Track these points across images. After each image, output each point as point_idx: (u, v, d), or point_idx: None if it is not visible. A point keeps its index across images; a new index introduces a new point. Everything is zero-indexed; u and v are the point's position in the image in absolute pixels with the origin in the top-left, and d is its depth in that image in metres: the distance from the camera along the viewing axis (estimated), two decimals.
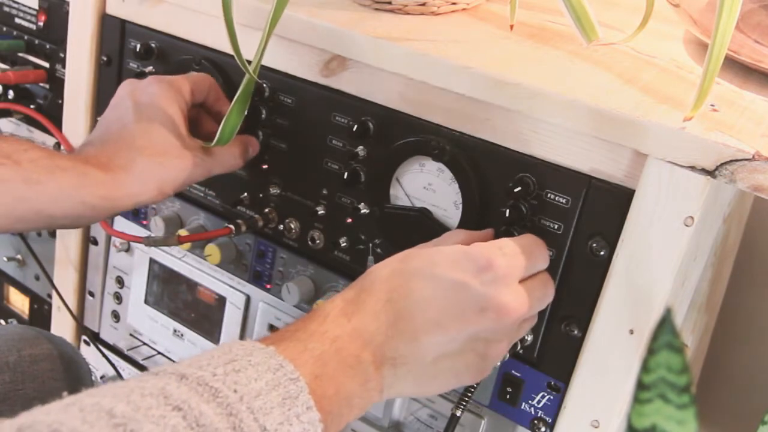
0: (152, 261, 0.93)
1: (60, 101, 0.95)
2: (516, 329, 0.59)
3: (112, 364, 0.96)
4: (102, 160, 0.67)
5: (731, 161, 0.54)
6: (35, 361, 0.79)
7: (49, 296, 1.08)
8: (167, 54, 0.84)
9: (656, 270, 0.59)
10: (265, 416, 0.46)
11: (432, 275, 0.56)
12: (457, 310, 0.55)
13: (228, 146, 0.72)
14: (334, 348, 0.53)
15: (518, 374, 0.69)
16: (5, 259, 1.12)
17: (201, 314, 0.90)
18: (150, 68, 0.84)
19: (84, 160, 0.67)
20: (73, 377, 0.81)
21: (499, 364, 0.66)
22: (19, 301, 1.14)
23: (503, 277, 0.56)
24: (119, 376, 0.96)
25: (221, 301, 0.87)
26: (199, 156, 0.71)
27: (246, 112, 0.70)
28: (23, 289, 1.13)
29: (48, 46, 0.97)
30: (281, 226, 0.80)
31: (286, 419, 0.47)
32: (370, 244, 0.74)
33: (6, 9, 1.00)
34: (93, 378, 0.86)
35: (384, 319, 0.55)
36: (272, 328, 0.84)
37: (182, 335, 0.92)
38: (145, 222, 0.91)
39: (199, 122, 0.77)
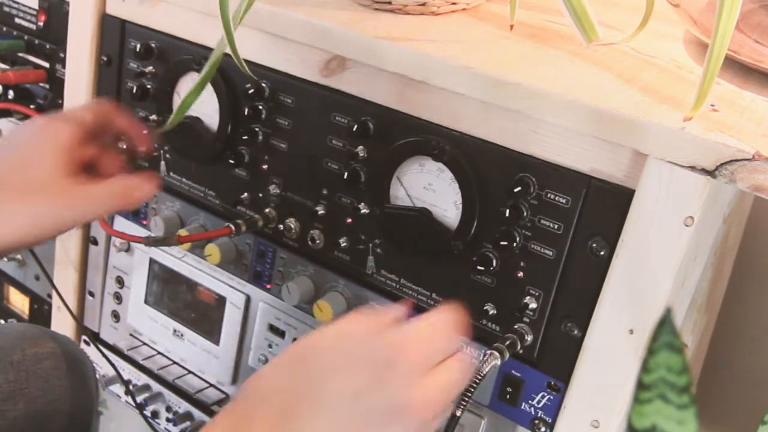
0: (152, 261, 0.93)
1: (60, 101, 0.95)
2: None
3: (112, 364, 0.96)
4: None
5: (731, 161, 0.54)
6: (39, 359, 0.79)
7: (49, 296, 1.08)
8: (167, 54, 0.84)
9: (656, 270, 0.59)
10: None
11: (332, 385, 0.50)
12: (366, 413, 0.49)
13: (108, 187, 0.66)
14: None
15: (518, 374, 0.69)
16: (5, 259, 1.12)
17: (201, 314, 0.90)
18: (150, 68, 0.84)
19: None
20: (78, 376, 0.81)
21: None
22: (19, 301, 1.14)
23: (420, 369, 0.51)
24: (119, 376, 0.96)
25: (221, 301, 0.87)
26: (72, 197, 0.65)
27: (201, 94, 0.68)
28: (23, 289, 1.13)
29: (48, 46, 0.97)
30: (281, 226, 0.80)
31: None
32: (370, 244, 0.74)
33: (6, 9, 1.00)
34: (97, 376, 0.85)
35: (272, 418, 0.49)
36: (272, 328, 0.84)
37: (182, 335, 0.92)
38: (145, 222, 0.91)
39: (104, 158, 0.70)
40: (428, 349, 0.52)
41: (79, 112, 0.69)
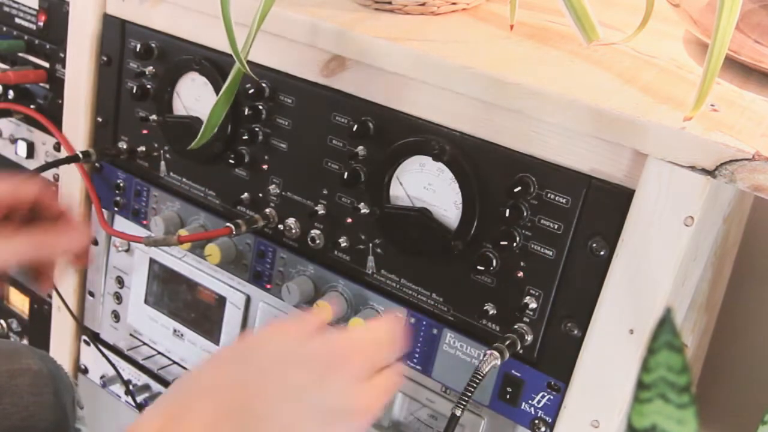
0: (152, 261, 0.93)
1: (60, 101, 0.95)
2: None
3: (112, 364, 0.96)
4: None
5: (731, 161, 0.54)
6: (13, 376, 0.78)
7: (49, 296, 1.08)
8: (167, 54, 0.84)
9: (656, 270, 0.59)
10: None
11: (278, 380, 0.49)
12: (310, 411, 0.49)
13: (26, 234, 0.66)
14: None
15: (518, 374, 0.69)
16: None
17: (201, 314, 0.90)
18: (150, 68, 0.84)
19: None
20: (53, 392, 0.80)
21: None
22: (19, 301, 1.14)
23: (363, 372, 0.52)
24: (119, 376, 0.96)
25: (221, 301, 0.87)
26: None
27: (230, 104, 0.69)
28: (23, 289, 1.13)
29: (48, 46, 0.97)
30: (281, 226, 0.80)
31: None
32: (370, 244, 0.74)
33: (6, 9, 1.00)
34: (75, 395, 0.84)
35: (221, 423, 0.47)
36: None
37: (182, 335, 0.92)
38: (145, 222, 0.91)
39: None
40: (370, 357, 0.53)
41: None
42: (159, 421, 0.47)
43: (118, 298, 0.97)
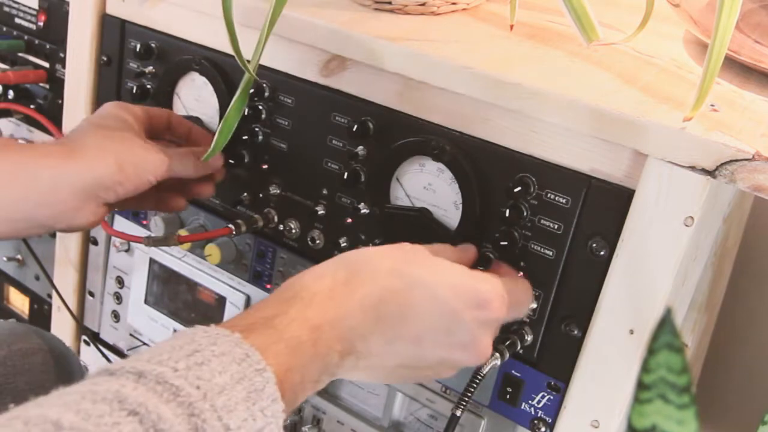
0: (152, 261, 0.93)
1: (60, 101, 0.95)
2: None
3: None
4: (54, 143, 0.70)
5: (731, 161, 0.54)
6: (26, 354, 0.79)
7: (49, 296, 1.08)
8: (167, 54, 0.84)
9: (656, 270, 0.59)
10: (229, 413, 0.44)
11: (433, 295, 0.55)
12: (442, 336, 0.55)
13: (179, 149, 0.74)
14: (312, 338, 0.51)
15: (518, 374, 0.69)
16: (5, 259, 1.12)
17: (201, 314, 0.90)
18: (150, 68, 0.84)
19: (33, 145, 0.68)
20: (65, 371, 0.81)
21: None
22: (19, 301, 1.14)
23: (494, 321, 0.58)
24: None
25: (221, 301, 0.87)
26: (155, 146, 0.71)
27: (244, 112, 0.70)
28: (23, 289, 1.13)
29: (48, 46, 0.97)
30: (281, 226, 0.80)
31: (250, 415, 0.45)
32: (370, 244, 0.74)
33: (6, 9, 1.00)
34: (84, 374, 0.85)
35: (370, 316, 0.54)
36: None
37: None
38: (145, 222, 0.91)
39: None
40: (506, 313, 0.59)
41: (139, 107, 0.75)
42: (330, 284, 0.54)
43: (118, 298, 0.97)
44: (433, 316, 0.55)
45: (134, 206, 0.77)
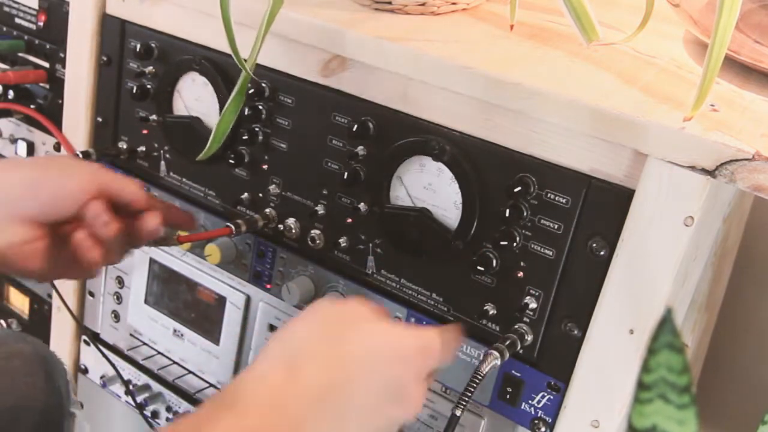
0: (152, 261, 0.93)
1: (60, 101, 0.95)
2: None
3: (112, 364, 0.96)
4: None
5: (731, 161, 0.54)
6: (7, 358, 0.79)
7: (49, 296, 1.08)
8: (167, 54, 0.84)
9: (656, 270, 0.59)
10: None
11: (371, 369, 0.55)
12: (387, 399, 0.56)
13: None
14: None
15: (518, 374, 0.69)
16: None
17: (201, 314, 0.90)
18: (150, 68, 0.84)
19: None
20: (46, 374, 0.81)
21: None
22: (19, 301, 1.14)
23: (427, 373, 0.58)
24: (119, 376, 0.96)
25: (221, 301, 0.87)
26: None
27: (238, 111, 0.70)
28: (23, 289, 1.13)
29: (48, 46, 0.97)
30: (281, 226, 0.80)
31: None
32: (370, 244, 0.74)
33: (6, 9, 1.00)
34: (68, 377, 0.85)
35: (315, 408, 0.53)
36: (272, 328, 0.84)
37: (182, 335, 0.92)
38: None
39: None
40: (436, 360, 0.58)
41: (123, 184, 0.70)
42: (281, 373, 0.53)
43: (118, 298, 0.97)
44: (373, 388, 0.55)
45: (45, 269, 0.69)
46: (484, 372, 0.63)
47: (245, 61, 0.65)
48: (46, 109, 0.98)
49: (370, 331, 0.57)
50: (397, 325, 0.59)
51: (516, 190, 0.63)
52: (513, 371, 0.69)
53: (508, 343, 0.65)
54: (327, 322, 0.58)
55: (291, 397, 0.52)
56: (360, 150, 0.72)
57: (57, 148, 0.99)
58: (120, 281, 0.97)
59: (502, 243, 0.65)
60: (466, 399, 0.62)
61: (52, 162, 0.68)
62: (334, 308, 0.59)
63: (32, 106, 0.98)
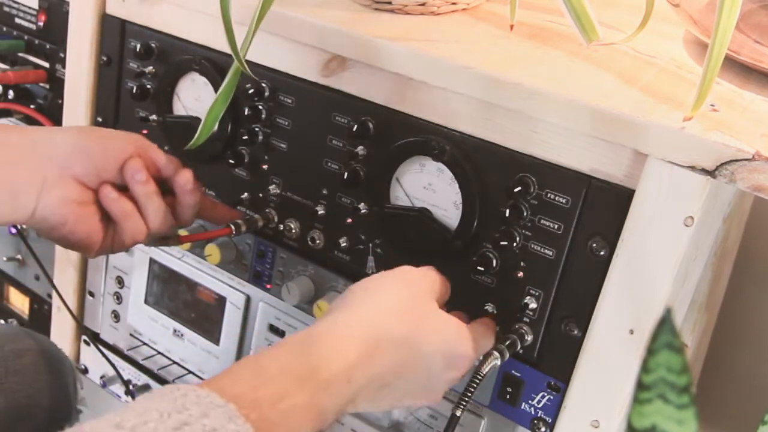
0: (152, 261, 0.93)
1: (60, 101, 0.95)
2: None
3: (112, 364, 0.96)
4: None
5: (731, 161, 0.54)
6: (18, 355, 0.79)
7: (49, 296, 1.08)
8: (167, 54, 0.84)
9: (656, 270, 0.59)
10: None
11: (428, 367, 0.59)
12: (424, 392, 0.61)
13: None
14: (314, 419, 0.51)
15: (518, 374, 0.69)
16: (5, 259, 1.12)
17: (201, 314, 0.90)
18: (150, 68, 0.84)
19: None
20: (55, 371, 0.81)
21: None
22: (19, 301, 1.14)
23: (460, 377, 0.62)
24: (119, 376, 0.96)
25: (221, 301, 0.87)
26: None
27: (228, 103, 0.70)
28: (23, 289, 1.13)
29: (48, 46, 0.97)
30: (281, 226, 0.80)
31: None
32: (370, 244, 0.74)
33: (6, 9, 1.00)
34: (75, 374, 0.86)
35: (373, 388, 0.56)
36: (272, 328, 0.84)
37: (182, 335, 0.92)
38: None
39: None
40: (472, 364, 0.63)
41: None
42: (350, 360, 0.54)
43: (118, 298, 0.97)
44: (420, 381, 0.59)
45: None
46: (484, 372, 0.63)
47: (247, 62, 0.65)
48: (46, 109, 0.98)
49: (440, 331, 0.60)
50: (460, 325, 0.62)
51: (516, 190, 0.63)
52: (513, 371, 0.69)
53: (508, 343, 0.65)
54: (411, 298, 0.60)
55: (362, 378, 0.54)
56: (360, 150, 0.72)
57: None
58: (120, 281, 0.97)
59: (502, 243, 0.65)
60: (466, 399, 0.62)
61: (93, 128, 0.71)
62: (420, 280, 0.62)
63: (32, 106, 0.99)
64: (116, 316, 0.98)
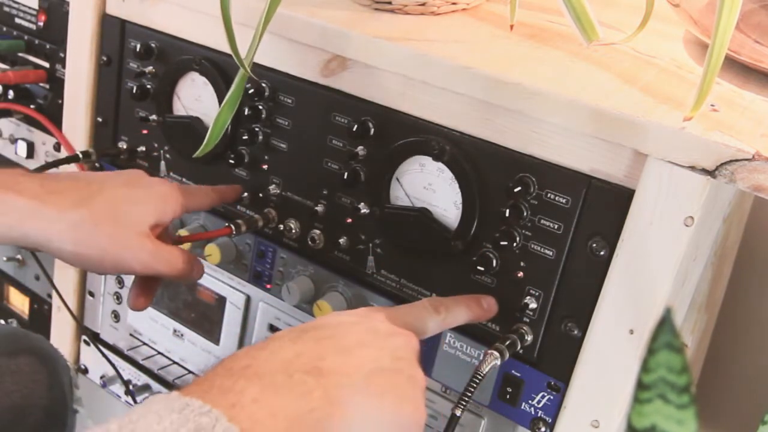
0: None
1: (60, 101, 0.95)
2: None
3: (112, 364, 0.96)
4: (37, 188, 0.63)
5: (731, 161, 0.54)
6: (13, 355, 0.79)
7: (49, 296, 1.08)
8: (167, 54, 0.84)
9: (656, 270, 0.59)
10: None
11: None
12: None
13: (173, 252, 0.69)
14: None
15: (518, 374, 0.69)
16: (5, 259, 1.12)
17: (201, 314, 0.90)
18: (150, 68, 0.84)
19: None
20: (51, 371, 0.81)
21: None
22: (19, 301, 1.14)
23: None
24: (119, 376, 0.96)
25: (221, 301, 0.87)
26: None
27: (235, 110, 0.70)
28: (23, 289, 1.13)
29: (48, 46, 0.97)
30: (281, 226, 0.80)
31: None
32: (370, 244, 0.74)
33: (6, 9, 1.00)
34: (71, 374, 0.86)
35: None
36: (272, 328, 0.84)
37: (182, 335, 0.92)
38: None
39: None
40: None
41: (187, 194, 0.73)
42: (256, 390, 0.47)
43: (118, 298, 0.97)
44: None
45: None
46: (484, 372, 0.63)
47: (245, 56, 0.65)
48: (46, 109, 0.98)
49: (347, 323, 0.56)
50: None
51: (516, 190, 0.63)
52: (513, 371, 0.69)
53: (508, 343, 0.65)
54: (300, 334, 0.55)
55: None
56: (360, 150, 0.72)
57: (57, 148, 0.99)
58: (120, 281, 0.97)
59: (502, 243, 0.65)
60: (466, 399, 0.62)
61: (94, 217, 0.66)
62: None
63: (32, 106, 0.99)
64: (116, 316, 0.98)
